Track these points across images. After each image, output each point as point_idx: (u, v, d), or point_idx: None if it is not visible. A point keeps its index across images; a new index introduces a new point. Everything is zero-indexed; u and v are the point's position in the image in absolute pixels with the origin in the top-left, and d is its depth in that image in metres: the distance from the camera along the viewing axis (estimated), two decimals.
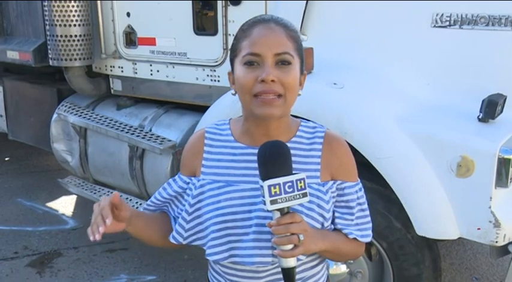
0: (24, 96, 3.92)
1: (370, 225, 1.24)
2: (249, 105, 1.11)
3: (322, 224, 1.15)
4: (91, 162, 3.37)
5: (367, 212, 1.24)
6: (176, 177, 1.27)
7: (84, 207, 4.17)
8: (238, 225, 1.14)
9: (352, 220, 1.19)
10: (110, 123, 3.16)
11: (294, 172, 1.01)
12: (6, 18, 3.60)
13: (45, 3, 3.00)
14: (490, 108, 1.95)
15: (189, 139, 1.28)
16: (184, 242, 1.24)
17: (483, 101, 1.98)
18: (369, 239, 1.23)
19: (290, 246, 1.02)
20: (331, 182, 1.17)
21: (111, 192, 3.31)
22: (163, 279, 3.28)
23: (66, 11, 3.00)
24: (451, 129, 1.99)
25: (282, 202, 0.99)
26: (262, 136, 1.14)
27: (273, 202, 0.98)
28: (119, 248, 3.65)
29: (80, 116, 3.31)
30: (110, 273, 3.35)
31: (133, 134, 2.99)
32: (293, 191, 0.99)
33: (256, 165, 1.07)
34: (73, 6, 3.00)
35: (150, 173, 3.00)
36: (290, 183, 0.99)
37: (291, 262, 1.02)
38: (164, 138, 2.89)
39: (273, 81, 1.07)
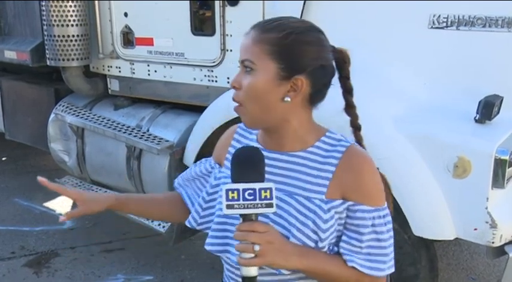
0: (22, 96, 3.91)
1: (388, 258, 1.09)
2: None
3: (317, 243, 1.07)
4: (88, 162, 3.37)
5: (386, 244, 1.08)
6: (205, 159, 1.32)
7: None
8: (236, 223, 1.13)
9: (359, 247, 1.07)
10: (107, 123, 3.16)
11: (263, 180, 0.98)
12: (4, 18, 3.60)
13: (43, 3, 2.99)
14: (487, 109, 1.95)
15: (227, 129, 1.30)
16: (197, 227, 1.26)
17: (480, 102, 1.98)
18: (380, 274, 1.08)
19: (250, 255, 0.96)
20: (340, 202, 1.07)
21: (109, 192, 3.32)
22: (160, 279, 3.27)
23: (63, 11, 2.99)
24: (448, 130, 1.99)
25: (238, 208, 0.95)
26: (270, 142, 1.13)
27: (229, 207, 0.95)
28: (116, 248, 3.65)
29: (78, 116, 3.30)
30: (107, 273, 3.34)
31: (130, 134, 2.98)
32: (254, 199, 0.95)
33: (267, 168, 1.07)
34: (70, 6, 2.99)
35: (147, 173, 3.00)
36: (251, 191, 0.95)
37: (250, 271, 0.97)
38: (162, 139, 2.88)
39: (234, 87, 1.09)
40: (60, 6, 2.97)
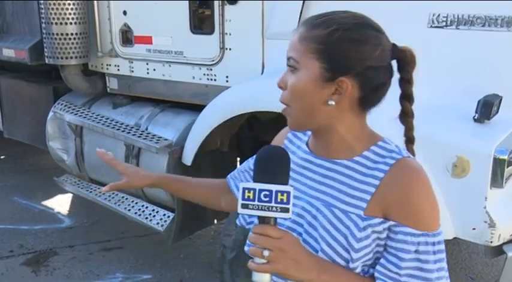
0: (20, 95, 3.91)
1: None
2: None
3: (348, 262, 0.97)
4: (87, 161, 3.36)
5: (431, 275, 0.94)
6: None
7: (80, 206, 4.17)
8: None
9: (397, 274, 0.95)
10: (106, 121, 3.15)
11: (283, 183, 0.91)
12: (2, 16, 3.59)
13: (42, 2, 2.99)
14: (486, 109, 1.95)
15: (285, 127, 1.22)
16: (247, 227, 1.20)
17: (479, 102, 1.98)
18: None
19: (261, 260, 0.89)
20: (379, 220, 0.96)
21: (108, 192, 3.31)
22: (159, 278, 3.27)
23: (62, 9, 2.99)
24: (447, 129, 1.99)
25: (253, 209, 0.90)
26: (318, 148, 1.07)
27: (243, 206, 0.90)
28: (115, 246, 3.65)
29: (76, 114, 3.30)
30: (105, 272, 3.34)
31: (129, 132, 2.98)
32: (269, 201, 0.89)
33: (305, 172, 1.05)
34: (69, 4, 2.99)
35: None
36: (267, 192, 0.89)
37: (261, 278, 0.90)
38: (160, 137, 2.88)
39: (280, 87, 1.02)
40: (59, 4, 2.97)
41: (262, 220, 0.90)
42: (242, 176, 1.28)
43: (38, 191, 4.43)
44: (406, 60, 1.02)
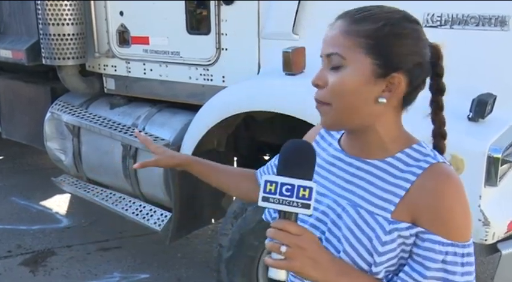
0: (18, 95, 3.90)
1: None
2: None
3: (370, 266, 0.93)
4: (84, 161, 3.36)
5: None
6: None
7: (78, 206, 4.17)
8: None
9: None
10: (103, 122, 3.15)
11: (306, 178, 0.87)
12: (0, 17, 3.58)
13: (39, 2, 2.98)
14: (480, 108, 1.95)
15: (317, 124, 1.18)
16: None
17: (473, 101, 1.98)
18: None
19: (278, 256, 0.86)
20: (406, 225, 0.92)
21: (104, 191, 3.32)
22: (156, 278, 3.27)
23: (59, 9, 2.98)
24: None
25: (273, 202, 0.87)
26: (351, 147, 1.03)
27: (264, 199, 0.87)
28: (113, 246, 3.65)
29: (74, 114, 3.29)
30: (103, 271, 3.34)
31: (126, 132, 2.98)
32: (290, 196, 0.86)
33: (334, 169, 1.03)
34: (66, 5, 2.98)
35: (143, 172, 2.99)
36: (289, 186, 0.86)
37: (279, 274, 0.87)
38: (157, 137, 2.88)
39: (317, 85, 0.96)
40: (56, 5, 2.97)
41: (283, 215, 0.87)
42: (270, 170, 1.27)
43: (37, 191, 4.42)
44: (438, 55, 1.00)
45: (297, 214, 0.88)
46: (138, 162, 1.38)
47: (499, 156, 1.83)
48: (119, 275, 3.31)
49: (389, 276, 0.95)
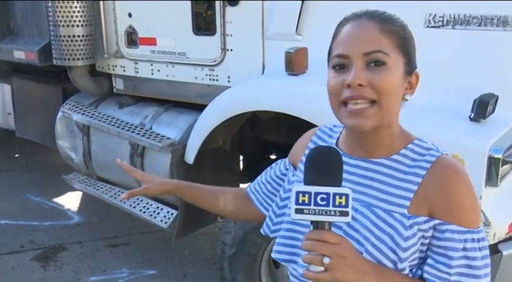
0: (31, 95, 3.92)
1: None
2: (338, 114, 0.96)
3: (395, 264, 0.92)
4: (94, 159, 3.36)
5: (480, 272, 0.91)
6: (281, 160, 1.22)
7: (88, 203, 4.18)
8: (306, 232, 0.98)
9: (448, 273, 0.91)
10: (111, 121, 3.15)
11: (339, 185, 0.84)
12: (13, 19, 3.60)
13: (49, 4, 2.99)
14: (481, 108, 1.90)
15: (307, 131, 1.19)
16: (271, 235, 1.16)
17: (474, 101, 1.93)
18: None
19: (319, 268, 0.82)
20: (424, 218, 0.92)
21: (113, 189, 3.31)
22: (163, 274, 3.27)
23: (69, 11, 2.98)
24: (442, 128, 1.94)
25: (308, 213, 0.82)
26: (356, 148, 1.01)
27: (298, 211, 0.83)
28: (121, 243, 3.65)
29: (83, 114, 3.29)
30: (112, 267, 3.34)
31: (133, 132, 2.97)
32: (327, 205, 0.81)
33: (344, 175, 0.97)
34: (76, 7, 2.99)
35: (150, 170, 2.97)
36: (324, 195, 0.82)
37: None
38: (163, 136, 2.86)
39: (360, 85, 0.91)
40: (66, 7, 2.97)
41: (316, 225, 0.84)
42: (264, 188, 1.24)
43: (49, 188, 4.44)
44: None
45: (330, 223, 0.84)
46: (126, 192, 1.31)
47: (500, 156, 1.79)
48: (127, 270, 3.30)
49: (414, 270, 0.95)
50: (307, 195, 0.83)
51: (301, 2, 2.41)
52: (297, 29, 2.44)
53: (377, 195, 0.96)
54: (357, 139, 1.01)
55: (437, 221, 0.92)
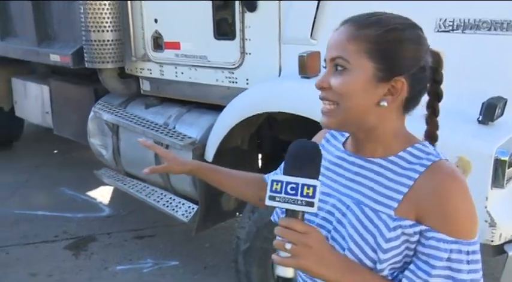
0: (67, 96, 4.01)
1: None
2: None
3: (375, 264, 0.89)
4: (122, 156, 3.41)
5: None
6: None
7: (118, 197, 4.25)
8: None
9: (425, 281, 0.85)
10: (138, 120, 3.19)
11: (311, 177, 0.84)
12: (50, 25, 3.69)
13: (82, 11, 3.05)
14: (489, 111, 1.84)
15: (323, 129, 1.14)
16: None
17: (483, 104, 1.88)
18: None
19: (285, 254, 0.82)
20: (410, 222, 0.87)
21: (140, 184, 3.36)
22: (184, 265, 3.29)
23: (99, 17, 3.04)
24: (450, 130, 1.88)
25: (279, 201, 0.83)
26: (356, 147, 0.99)
27: (271, 198, 0.84)
28: (147, 235, 3.70)
29: (113, 113, 3.35)
30: (137, 257, 3.39)
31: (157, 131, 3.00)
32: (295, 195, 0.82)
33: (338, 169, 0.99)
34: (106, 13, 3.04)
35: None
36: (294, 185, 0.83)
37: (285, 272, 0.84)
38: (185, 135, 2.88)
39: (323, 88, 0.92)
40: (97, 13, 3.02)
41: (290, 214, 0.84)
42: (279, 173, 1.22)
43: (83, 182, 4.53)
44: (439, 62, 0.96)
45: (303, 213, 0.84)
46: (148, 167, 1.32)
47: (506, 158, 1.73)
48: (151, 261, 3.34)
49: (395, 273, 0.90)
50: (279, 184, 0.84)
51: (315, 8, 2.39)
52: (311, 34, 2.42)
53: (368, 193, 0.94)
54: (353, 138, 1.00)
55: (423, 227, 0.86)
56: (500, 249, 1.85)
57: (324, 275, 0.84)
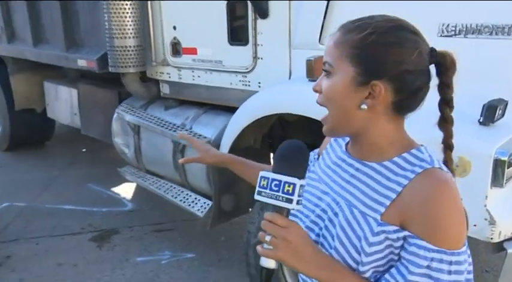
0: (93, 98, 4.07)
1: None
2: None
3: (358, 265, 0.86)
4: (143, 155, 3.44)
5: None
6: (315, 150, 1.15)
7: (140, 193, 4.29)
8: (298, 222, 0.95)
9: None
10: (157, 121, 3.21)
11: (295, 176, 0.83)
12: (77, 32, 3.74)
13: (106, 19, 3.08)
14: (490, 112, 1.79)
15: None
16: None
17: (483, 106, 1.83)
18: None
19: (268, 246, 0.82)
20: (394, 228, 0.83)
21: (159, 181, 3.38)
22: (200, 257, 3.30)
23: (122, 25, 3.07)
24: None
25: (265, 196, 0.84)
26: (354, 150, 0.96)
27: (258, 193, 0.85)
28: (166, 228, 3.71)
29: (134, 115, 3.38)
30: (156, 249, 3.41)
31: (175, 131, 3.02)
32: (277, 191, 0.83)
33: (337, 170, 0.97)
34: (128, 21, 3.07)
35: (189, 165, 3.02)
36: (277, 182, 0.84)
37: (267, 262, 0.84)
38: (200, 135, 2.89)
39: (316, 91, 0.92)
40: (120, 21, 3.05)
41: (276, 209, 0.84)
42: None
43: (109, 179, 4.57)
44: (446, 64, 0.90)
45: (288, 209, 0.84)
46: (185, 157, 1.35)
47: (505, 159, 1.68)
48: (169, 253, 3.36)
49: (378, 276, 0.87)
50: (266, 180, 0.85)
51: (323, 15, 2.37)
52: (319, 39, 2.40)
53: (359, 196, 0.91)
54: (351, 141, 0.97)
55: (407, 233, 0.82)
56: (499, 247, 1.80)
57: (300, 269, 0.83)
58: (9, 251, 3.39)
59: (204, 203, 3.00)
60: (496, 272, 3.00)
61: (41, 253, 3.38)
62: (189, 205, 3.03)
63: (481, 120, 1.85)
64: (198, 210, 2.97)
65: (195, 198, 3.06)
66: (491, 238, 1.74)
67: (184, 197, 3.11)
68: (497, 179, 1.71)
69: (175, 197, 3.15)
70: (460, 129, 1.83)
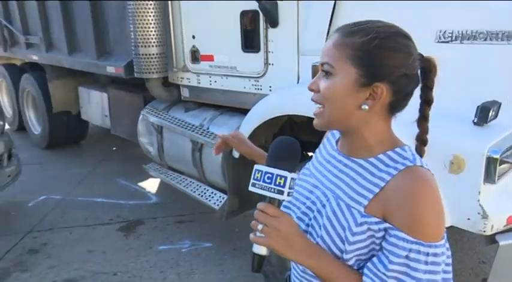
0: (121, 101, 4.13)
1: None
2: None
3: (342, 253, 0.87)
4: (166, 153, 3.48)
5: None
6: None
7: (164, 187, 4.34)
8: (290, 213, 0.96)
9: (383, 274, 0.82)
10: (178, 122, 3.25)
11: (286, 169, 0.83)
12: (107, 42, 3.81)
13: (132, 30, 3.13)
14: (483, 113, 1.77)
15: None
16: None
17: (478, 107, 1.80)
18: None
19: (260, 234, 0.82)
20: (376, 220, 0.84)
21: (180, 177, 3.41)
22: (217, 246, 3.32)
23: (146, 35, 3.11)
24: (447, 131, 1.83)
25: (258, 188, 0.84)
26: (344, 146, 0.96)
27: (252, 184, 0.85)
28: (187, 220, 3.75)
29: (157, 116, 3.42)
30: (177, 239, 3.44)
31: (193, 131, 3.04)
32: (270, 183, 0.83)
33: (327, 165, 0.97)
34: (152, 31, 3.11)
35: (206, 162, 3.05)
36: (270, 175, 0.83)
37: (258, 249, 0.84)
38: (216, 135, 2.91)
39: (313, 90, 0.90)
40: (144, 31, 3.10)
41: (268, 200, 0.84)
42: None
43: (136, 175, 4.64)
44: (431, 68, 0.90)
45: (280, 201, 0.84)
46: (222, 135, 1.32)
47: (498, 157, 1.65)
48: (189, 242, 3.39)
49: (361, 264, 0.87)
50: (260, 173, 0.84)
51: (328, 24, 2.36)
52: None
53: (346, 190, 0.91)
54: (342, 138, 0.97)
55: (388, 225, 0.83)
56: (492, 239, 1.77)
57: (288, 256, 0.82)
58: (45, 239, 3.48)
59: (220, 196, 3.02)
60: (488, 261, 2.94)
61: (74, 241, 3.45)
62: (206, 199, 3.05)
63: (475, 121, 1.82)
64: (214, 203, 2.99)
65: (212, 193, 3.08)
66: (484, 231, 1.71)
67: (202, 191, 3.14)
68: (489, 176, 1.68)
69: (194, 191, 3.18)
70: (455, 129, 1.84)
